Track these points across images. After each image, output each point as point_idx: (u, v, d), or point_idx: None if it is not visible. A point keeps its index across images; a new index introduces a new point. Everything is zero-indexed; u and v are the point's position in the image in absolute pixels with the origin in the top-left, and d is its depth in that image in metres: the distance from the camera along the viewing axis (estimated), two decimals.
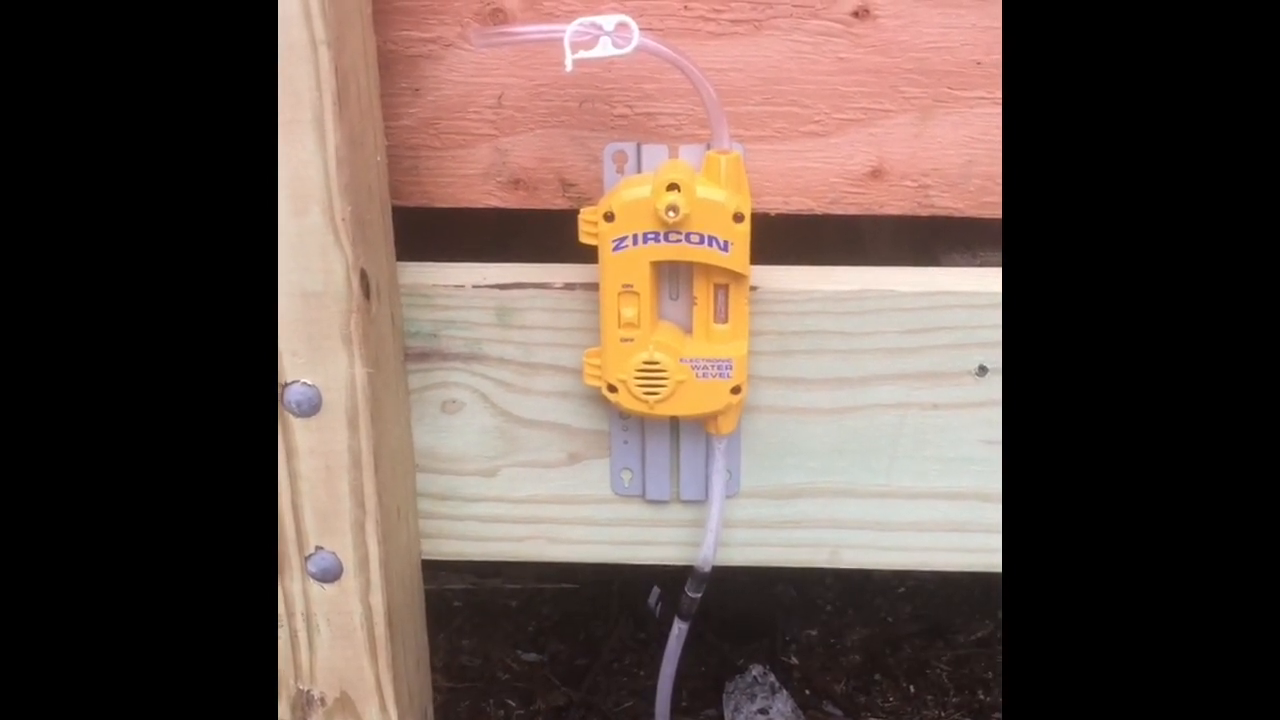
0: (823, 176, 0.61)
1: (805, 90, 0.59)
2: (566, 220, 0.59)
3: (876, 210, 0.62)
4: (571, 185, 0.63)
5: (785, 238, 0.63)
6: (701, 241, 0.56)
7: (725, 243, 0.56)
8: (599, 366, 0.59)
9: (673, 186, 0.55)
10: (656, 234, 0.56)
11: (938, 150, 0.60)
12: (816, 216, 0.63)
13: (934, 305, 0.60)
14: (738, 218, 0.56)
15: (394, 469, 0.58)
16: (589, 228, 0.57)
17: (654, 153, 0.58)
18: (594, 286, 0.59)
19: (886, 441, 0.62)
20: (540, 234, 0.67)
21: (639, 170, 0.58)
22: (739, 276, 0.57)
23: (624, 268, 0.57)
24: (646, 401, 0.59)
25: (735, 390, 0.59)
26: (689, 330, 0.59)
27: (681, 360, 0.58)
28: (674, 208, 0.55)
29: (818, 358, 0.61)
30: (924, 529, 0.64)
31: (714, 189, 0.55)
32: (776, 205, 0.62)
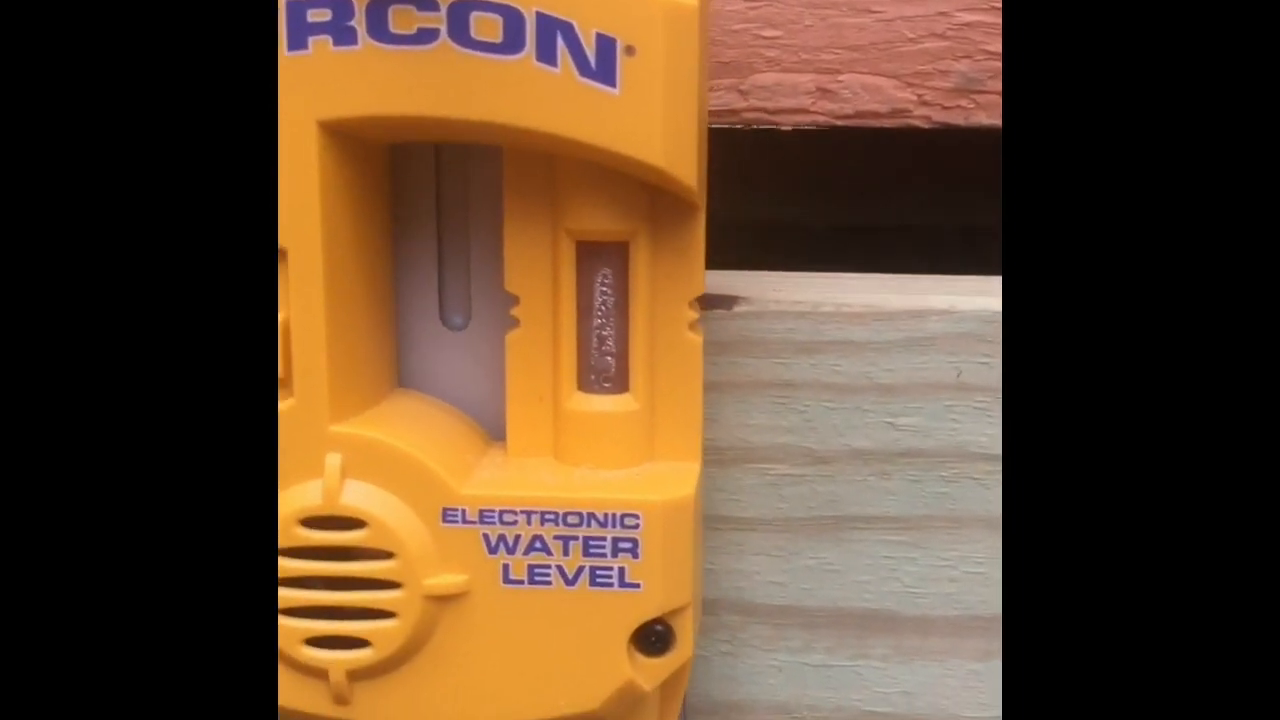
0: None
1: None
2: None
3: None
4: None
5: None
6: (504, 48, 0.14)
7: (591, 63, 0.14)
8: None
9: None
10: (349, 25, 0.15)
11: None
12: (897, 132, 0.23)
13: None
14: None
15: None
16: None
17: None
18: None
19: None
20: None
21: None
22: (679, 204, 0.16)
23: None
24: (323, 666, 0.16)
25: (651, 638, 0.16)
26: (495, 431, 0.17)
27: (445, 515, 0.16)
28: None
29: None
30: None
31: None
32: (802, 105, 0.22)
